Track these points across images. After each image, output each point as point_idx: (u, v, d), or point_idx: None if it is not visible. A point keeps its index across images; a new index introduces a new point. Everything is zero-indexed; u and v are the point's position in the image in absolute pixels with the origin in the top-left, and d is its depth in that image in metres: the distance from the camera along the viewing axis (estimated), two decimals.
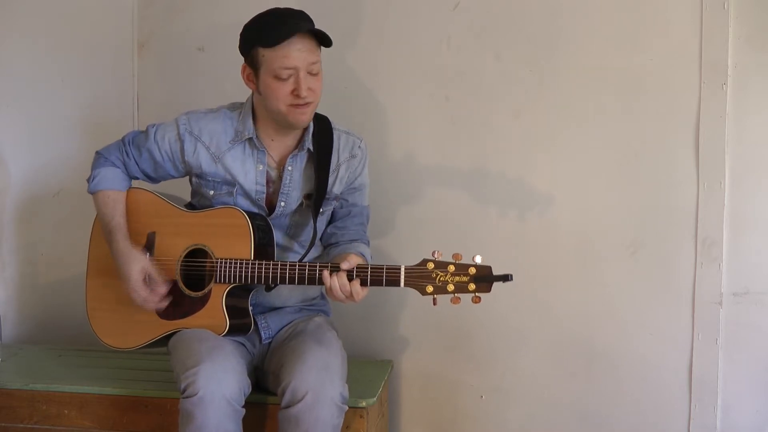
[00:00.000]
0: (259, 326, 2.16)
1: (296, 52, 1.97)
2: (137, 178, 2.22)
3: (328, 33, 2.02)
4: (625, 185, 2.40)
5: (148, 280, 2.07)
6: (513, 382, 2.50)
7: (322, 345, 1.99)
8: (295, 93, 1.98)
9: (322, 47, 2.05)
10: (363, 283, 1.93)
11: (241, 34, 2.05)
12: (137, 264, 2.06)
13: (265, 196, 2.13)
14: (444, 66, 2.49)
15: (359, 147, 2.20)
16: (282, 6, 2.08)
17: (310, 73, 2.00)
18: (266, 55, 1.99)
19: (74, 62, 2.73)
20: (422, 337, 2.56)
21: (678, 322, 2.37)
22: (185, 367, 1.88)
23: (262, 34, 1.99)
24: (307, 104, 2.01)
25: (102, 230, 2.16)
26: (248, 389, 1.95)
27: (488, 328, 2.50)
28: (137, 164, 2.18)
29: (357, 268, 1.94)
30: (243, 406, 1.91)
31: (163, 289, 2.07)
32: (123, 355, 2.38)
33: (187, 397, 1.84)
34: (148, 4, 2.68)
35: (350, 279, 1.93)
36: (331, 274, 1.94)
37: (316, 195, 2.12)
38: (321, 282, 1.96)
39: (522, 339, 2.49)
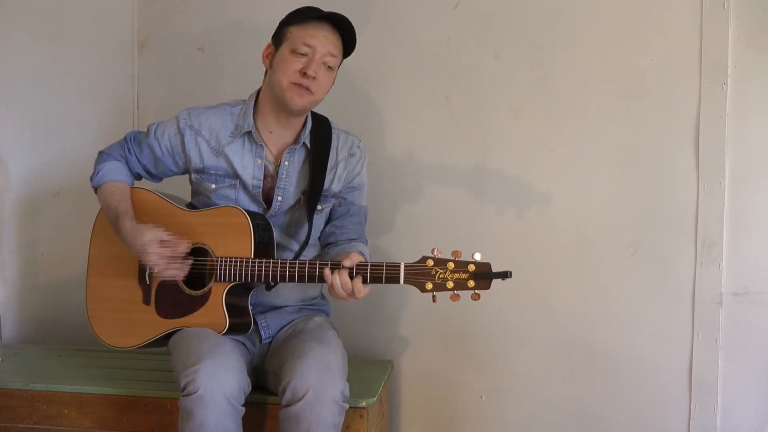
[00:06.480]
0: (259, 326, 2.16)
1: (321, 36, 2.04)
2: (139, 176, 2.23)
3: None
4: (625, 185, 2.40)
5: (165, 245, 2.01)
6: (513, 382, 2.50)
7: (322, 344, 1.99)
8: (303, 71, 2.02)
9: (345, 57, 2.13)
10: (363, 281, 1.93)
11: (280, 21, 2.10)
12: (149, 234, 2.02)
13: (261, 190, 2.14)
14: (444, 65, 2.50)
15: (358, 147, 2.23)
16: (293, 5, 2.11)
17: (324, 64, 2.05)
18: (294, 31, 2.05)
19: (74, 62, 2.73)
20: (422, 337, 2.56)
21: (678, 322, 2.37)
22: (185, 365, 1.88)
23: (300, 13, 2.07)
24: (308, 89, 2.04)
25: (108, 219, 2.14)
26: (248, 388, 1.94)
27: (488, 328, 2.50)
28: (138, 160, 2.20)
29: (357, 265, 1.94)
30: (243, 405, 1.91)
31: (183, 246, 2.02)
32: (123, 355, 2.38)
33: (187, 395, 1.84)
34: (148, 4, 2.69)
35: (351, 277, 1.93)
36: (332, 272, 1.94)
37: (312, 191, 2.12)
38: (322, 280, 1.96)
39: (522, 339, 2.49)
